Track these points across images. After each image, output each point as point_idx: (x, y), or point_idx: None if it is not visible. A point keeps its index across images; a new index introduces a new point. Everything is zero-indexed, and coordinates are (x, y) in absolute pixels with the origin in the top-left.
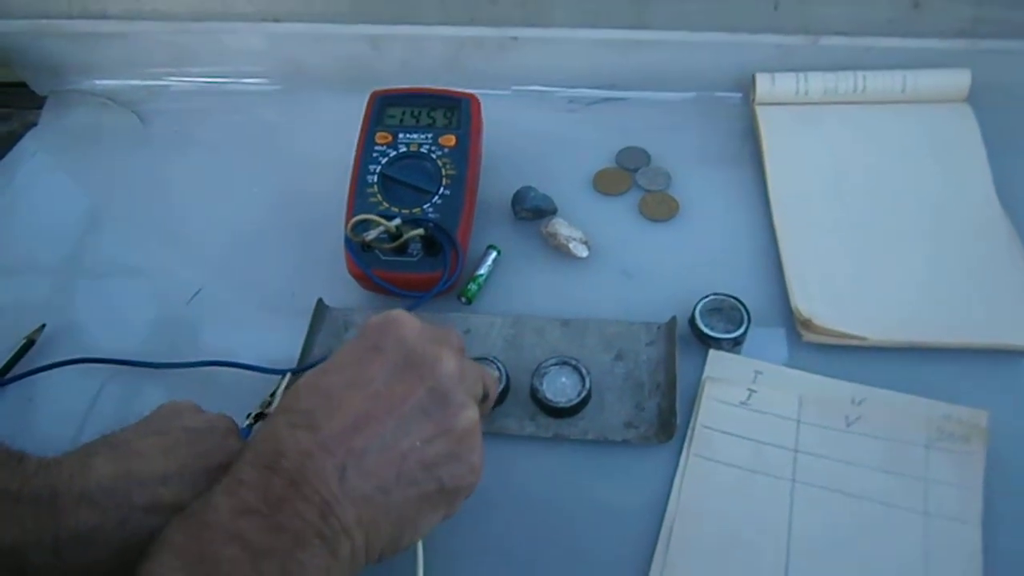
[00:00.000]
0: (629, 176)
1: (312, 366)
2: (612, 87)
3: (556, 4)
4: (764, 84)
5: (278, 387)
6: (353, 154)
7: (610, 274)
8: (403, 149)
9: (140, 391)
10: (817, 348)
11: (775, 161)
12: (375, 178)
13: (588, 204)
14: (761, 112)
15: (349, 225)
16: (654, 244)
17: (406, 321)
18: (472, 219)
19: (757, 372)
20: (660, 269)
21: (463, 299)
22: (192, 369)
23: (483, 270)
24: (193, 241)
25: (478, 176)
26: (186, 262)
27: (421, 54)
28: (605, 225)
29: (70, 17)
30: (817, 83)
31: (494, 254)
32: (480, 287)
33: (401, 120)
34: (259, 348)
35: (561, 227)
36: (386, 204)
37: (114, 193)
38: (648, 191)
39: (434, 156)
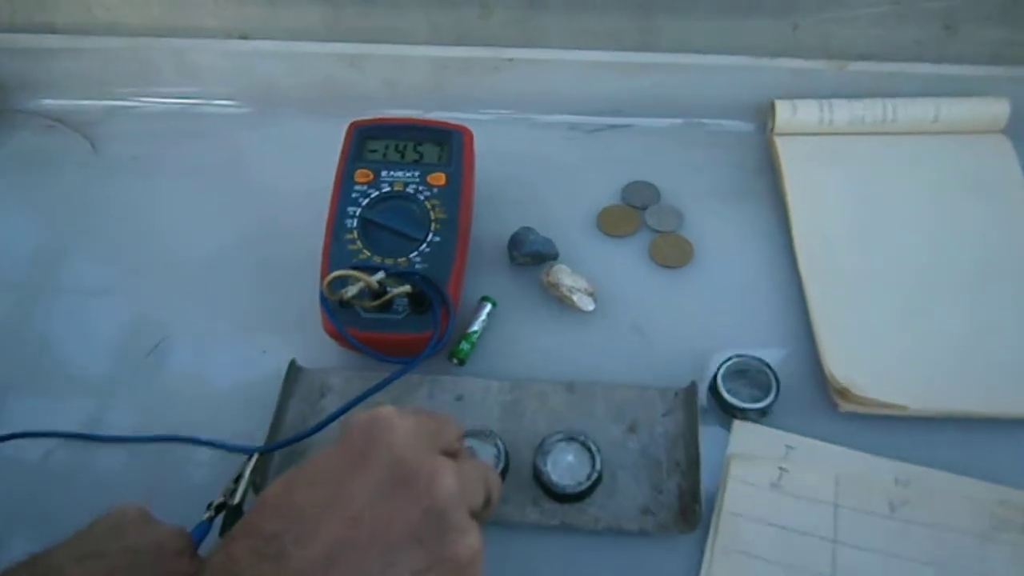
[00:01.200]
0: (637, 215)
1: (284, 444)
2: (616, 113)
3: (553, 22)
4: (784, 112)
5: (243, 470)
6: (330, 190)
7: (619, 330)
8: (386, 189)
9: (88, 465)
10: (853, 418)
11: (798, 199)
12: (355, 222)
13: (592, 247)
14: (781, 143)
15: (325, 282)
16: (667, 294)
17: (397, 424)
18: (464, 269)
19: (788, 447)
20: (674, 324)
21: (454, 360)
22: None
23: (477, 326)
24: (151, 285)
25: (471, 220)
26: (143, 309)
27: (405, 76)
28: (612, 272)
29: (13, 30)
30: (842, 112)
31: (489, 307)
32: (473, 346)
33: (384, 155)
34: (223, 415)
35: (564, 276)
36: (367, 252)
37: (60, 227)
38: (659, 232)
39: (421, 197)
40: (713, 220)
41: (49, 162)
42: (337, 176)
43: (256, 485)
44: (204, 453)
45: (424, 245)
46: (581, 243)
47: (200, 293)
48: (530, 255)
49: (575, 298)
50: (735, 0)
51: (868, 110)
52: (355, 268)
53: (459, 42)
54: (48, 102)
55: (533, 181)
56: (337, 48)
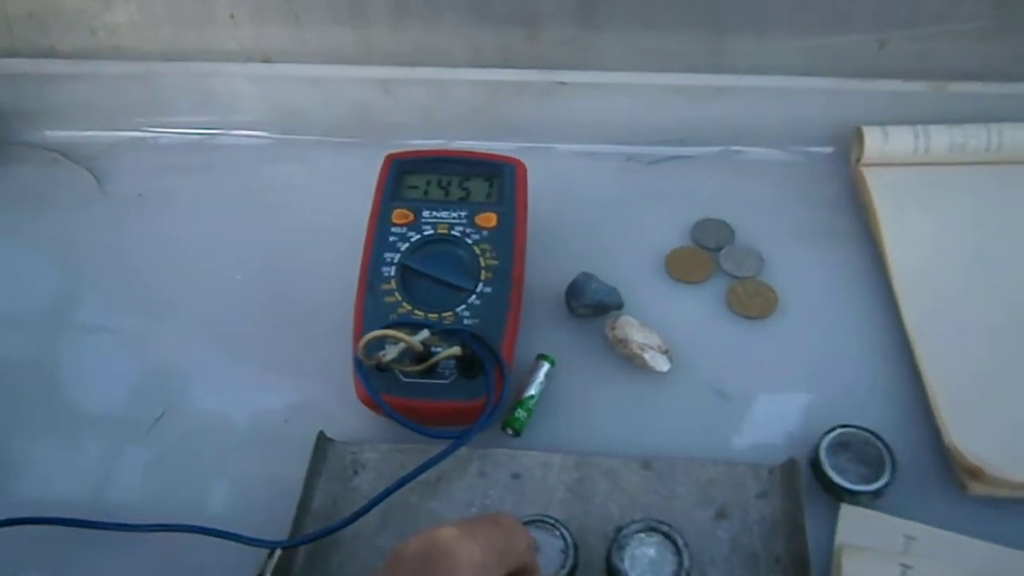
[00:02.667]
0: (710, 258)
1: (310, 540)
2: (681, 143)
3: (610, 41)
4: (874, 140)
5: (264, 569)
6: (363, 230)
7: (697, 393)
8: (428, 232)
9: (86, 557)
10: (985, 503)
11: (895, 239)
12: (392, 271)
13: (661, 296)
14: (870, 175)
15: (360, 344)
16: (750, 351)
17: (461, 558)
18: (519, 324)
19: (908, 537)
20: (760, 385)
21: (509, 430)
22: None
23: (533, 390)
24: (158, 338)
25: (524, 266)
26: (148, 368)
27: (445, 102)
28: (685, 324)
29: (12, 55)
30: (940, 138)
31: (546, 366)
32: (530, 413)
33: (426, 192)
34: (240, 495)
35: (633, 331)
36: (407, 306)
37: (62, 270)
38: (736, 278)
39: (469, 241)
40: (796, 263)
41: (51, 199)
42: (372, 217)
43: None
44: (218, 544)
45: (473, 297)
46: (648, 291)
47: (213, 352)
48: (591, 306)
49: (647, 356)
50: (815, 15)
51: (970, 136)
52: (394, 326)
53: (504, 64)
54: (49, 133)
55: (590, 220)
56: (368, 72)
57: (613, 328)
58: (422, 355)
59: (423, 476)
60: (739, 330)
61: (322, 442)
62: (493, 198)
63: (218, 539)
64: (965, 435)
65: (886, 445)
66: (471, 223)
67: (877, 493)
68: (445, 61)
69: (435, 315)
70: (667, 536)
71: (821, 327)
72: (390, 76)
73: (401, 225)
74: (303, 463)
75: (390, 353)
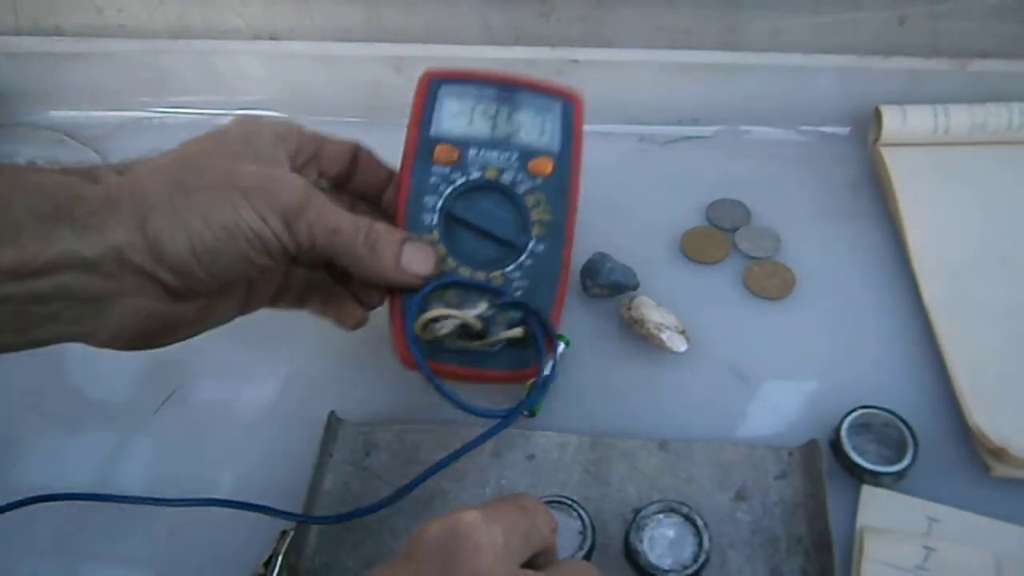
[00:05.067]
0: (726, 238)
1: (322, 520)
2: (695, 122)
3: (624, 18)
4: (893, 120)
5: (276, 549)
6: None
7: (716, 374)
8: (475, 175)
9: (97, 536)
10: (1009, 485)
11: (915, 220)
12: (435, 218)
13: (677, 276)
14: (888, 155)
15: (420, 321)
16: (768, 332)
17: (483, 543)
18: (567, 291)
19: (931, 519)
20: (778, 366)
21: (524, 411)
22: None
23: (548, 370)
24: None
25: (576, 223)
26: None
27: None
28: (702, 305)
29: (17, 33)
30: (961, 118)
31: (562, 346)
32: (546, 394)
33: (470, 122)
34: (250, 477)
35: (650, 310)
36: (452, 262)
37: None
38: (753, 258)
39: (520, 190)
40: (814, 243)
41: None
42: (409, 148)
43: (292, 568)
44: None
45: (524, 256)
46: (663, 271)
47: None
48: (607, 286)
49: (664, 337)
50: None
51: (991, 116)
52: (440, 287)
53: (517, 42)
54: (55, 114)
55: (604, 200)
56: (379, 49)
57: (629, 308)
58: (477, 332)
59: (436, 457)
60: (756, 311)
61: (334, 422)
62: (547, 139)
63: (228, 518)
64: (988, 416)
65: (908, 426)
66: (523, 169)
67: (899, 474)
68: (457, 38)
69: (482, 273)
70: (687, 517)
71: (839, 308)
72: (401, 54)
73: (444, 164)
74: (312, 445)
75: (446, 327)
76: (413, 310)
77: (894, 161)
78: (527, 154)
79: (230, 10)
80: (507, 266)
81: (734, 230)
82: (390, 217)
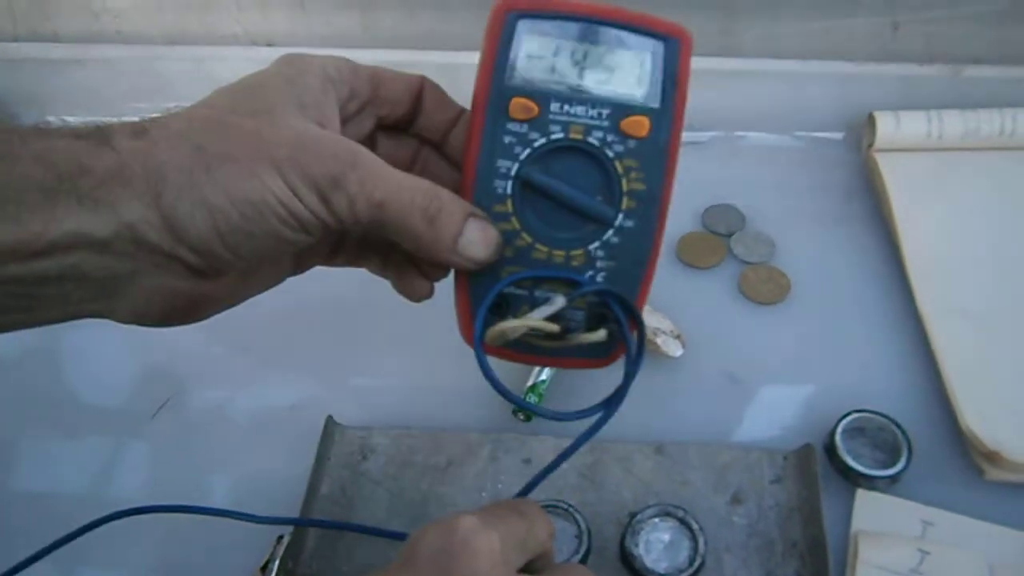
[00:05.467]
0: (721, 243)
1: (318, 524)
2: (690, 128)
3: None
4: (886, 125)
5: (273, 554)
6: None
7: (711, 378)
8: (557, 135)
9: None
10: (1002, 488)
11: (908, 225)
12: (509, 186)
13: (673, 281)
14: (882, 161)
15: (491, 333)
16: (763, 336)
17: (481, 548)
18: (655, 273)
19: (926, 523)
20: (774, 370)
21: (520, 415)
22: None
23: (545, 374)
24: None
25: (672, 194)
26: (151, 353)
27: (454, 86)
28: (698, 310)
29: (14, 39)
30: (954, 124)
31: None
32: (541, 398)
33: (553, 68)
34: (249, 479)
35: (645, 315)
36: (527, 238)
37: None
38: (748, 263)
39: (611, 154)
40: (809, 248)
41: None
42: (479, 100)
43: (290, 573)
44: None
45: (611, 232)
46: (659, 276)
47: (217, 339)
48: None
49: (660, 341)
50: None
51: (984, 122)
52: (509, 268)
53: None
54: (52, 118)
55: None
56: (375, 55)
57: None
58: (557, 334)
59: (432, 461)
60: (751, 315)
61: (330, 427)
62: (643, 90)
63: (224, 522)
64: (981, 419)
65: (902, 430)
66: (614, 128)
67: (894, 478)
68: (454, 45)
69: (560, 253)
70: (682, 521)
71: (834, 312)
72: (398, 60)
73: (521, 121)
74: (309, 450)
75: (517, 331)
76: (483, 312)
77: (888, 166)
78: (620, 110)
79: (227, 16)
80: (590, 243)
81: (729, 235)
82: (456, 162)
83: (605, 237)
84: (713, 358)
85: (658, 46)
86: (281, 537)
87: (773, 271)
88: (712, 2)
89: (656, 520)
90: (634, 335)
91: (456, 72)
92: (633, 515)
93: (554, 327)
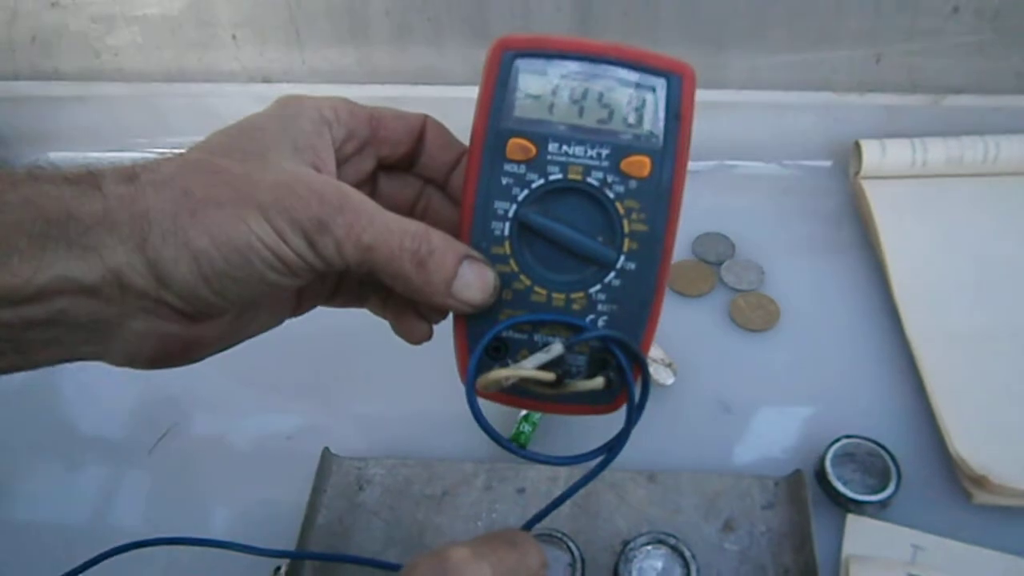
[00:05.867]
0: (712, 271)
1: (315, 557)
2: None
3: None
4: (872, 153)
5: None
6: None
7: (703, 406)
8: (555, 176)
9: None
10: (990, 512)
11: (895, 251)
12: (506, 228)
13: (664, 309)
14: (869, 188)
15: (482, 382)
16: (753, 363)
17: None
18: (661, 313)
19: (916, 547)
20: (764, 397)
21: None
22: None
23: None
24: None
25: (677, 233)
26: (150, 385)
27: (447, 120)
28: (689, 338)
29: (16, 78)
30: (938, 151)
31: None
32: (535, 427)
33: (551, 107)
34: (247, 510)
35: None
36: (526, 280)
37: None
38: (738, 291)
39: (611, 195)
40: (798, 276)
41: None
42: (476, 140)
43: None
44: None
45: (612, 275)
46: None
47: (218, 363)
48: None
49: (651, 370)
50: (811, 30)
51: (967, 149)
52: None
53: None
54: (54, 155)
55: None
56: (369, 91)
57: None
58: (552, 383)
59: (428, 491)
60: (742, 343)
61: (327, 458)
62: (645, 129)
63: (221, 553)
64: (969, 444)
65: (891, 455)
66: (615, 168)
67: (883, 503)
68: (447, 79)
69: (560, 296)
70: (674, 548)
71: (823, 339)
72: (392, 95)
73: (519, 162)
74: (307, 480)
75: (511, 379)
76: (475, 359)
77: (874, 193)
78: (620, 150)
79: (225, 53)
80: (591, 286)
81: (719, 263)
82: (459, 202)
83: (607, 280)
84: (704, 386)
85: (659, 83)
86: (279, 568)
87: (763, 298)
88: (701, 35)
89: (649, 548)
90: (638, 381)
91: (450, 107)
92: (626, 543)
93: (549, 376)
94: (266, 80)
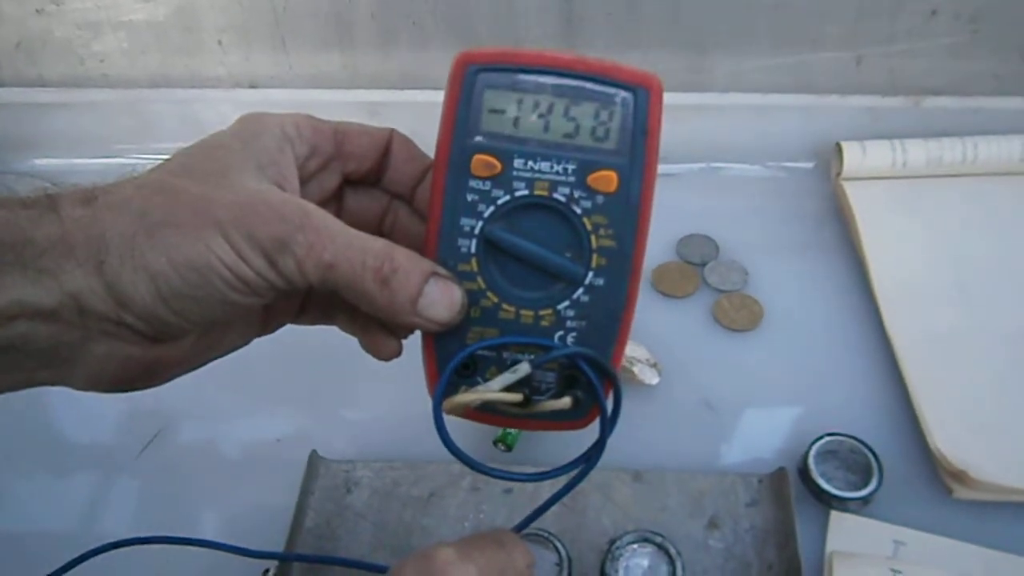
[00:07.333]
0: (696, 272)
1: (301, 559)
2: (664, 160)
3: None
4: (853, 155)
5: None
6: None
7: (687, 406)
8: (522, 192)
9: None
10: (970, 507)
11: (875, 250)
12: (472, 245)
13: (649, 310)
14: (850, 189)
15: (447, 406)
16: (737, 363)
17: None
18: (631, 328)
19: (897, 543)
20: (748, 396)
21: (501, 445)
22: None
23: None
24: None
25: (646, 247)
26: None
27: (431, 124)
28: (674, 338)
29: (1, 84)
30: (918, 152)
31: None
32: (514, 437)
33: (516, 122)
34: (236, 513)
35: None
36: (493, 297)
37: None
38: (722, 291)
39: (578, 210)
40: (780, 276)
41: None
42: (440, 157)
43: None
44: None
45: (580, 291)
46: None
47: (205, 368)
48: None
49: (636, 370)
50: (793, 34)
51: (946, 150)
52: (475, 330)
53: None
54: (40, 162)
55: None
56: (355, 96)
57: None
58: (521, 403)
59: (415, 493)
60: (726, 343)
61: (315, 460)
62: (612, 142)
63: (210, 558)
64: (949, 440)
65: (873, 452)
66: (581, 184)
67: (865, 499)
68: (431, 84)
69: (529, 313)
70: (660, 547)
71: (806, 338)
72: (377, 99)
73: (484, 178)
74: (294, 484)
75: (476, 402)
76: (442, 384)
77: (855, 194)
78: (587, 165)
79: (211, 59)
80: (560, 303)
81: (703, 264)
82: (424, 217)
83: (575, 296)
84: (689, 385)
85: (626, 96)
86: (267, 571)
87: (746, 299)
88: (684, 39)
89: (635, 546)
90: (609, 395)
91: (435, 111)
92: (612, 541)
93: (515, 397)
94: (252, 85)
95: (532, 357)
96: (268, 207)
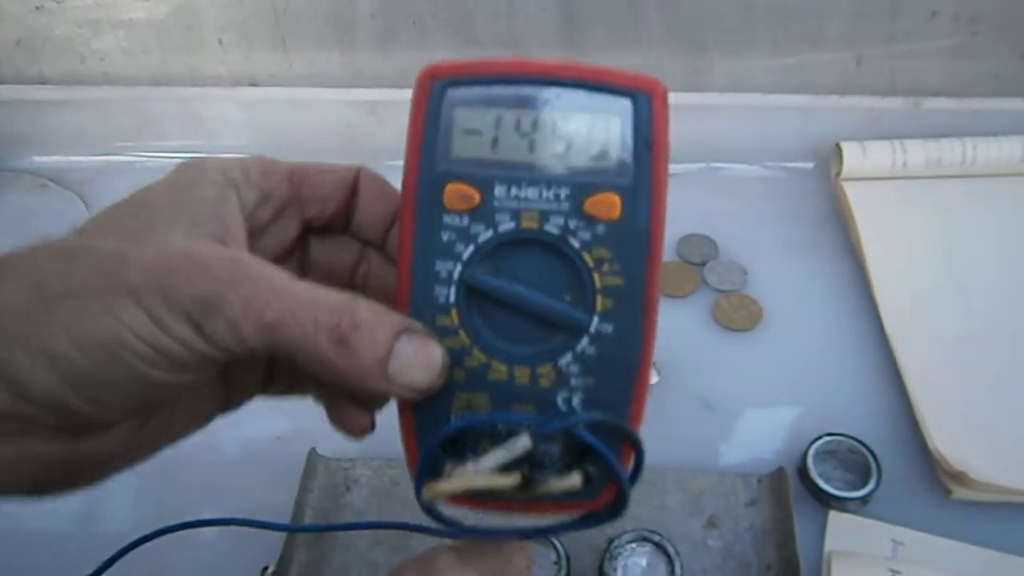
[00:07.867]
0: (695, 272)
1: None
2: None
3: (593, 62)
4: (853, 155)
5: None
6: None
7: (687, 405)
8: (506, 226)
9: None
10: (969, 507)
11: (875, 251)
12: (452, 293)
13: None
14: (849, 189)
15: (429, 492)
16: (736, 362)
17: None
18: (650, 379)
19: (896, 543)
20: (747, 396)
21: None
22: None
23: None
24: None
25: (659, 283)
26: None
27: None
28: (673, 337)
29: (1, 81)
30: (917, 153)
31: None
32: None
33: (494, 142)
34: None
35: None
36: (480, 355)
37: None
38: (721, 291)
39: (575, 244)
40: (780, 276)
41: (39, 224)
42: (407, 189)
43: None
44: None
45: (585, 340)
46: None
47: None
48: None
49: None
50: (793, 34)
51: (945, 151)
52: (459, 395)
53: None
54: (39, 159)
55: None
56: (355, 94)
57: None
58: (522, 486)
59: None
60: (725, 343)
61: (313, 459)
62: (611, 159)
63: (212, 555)
64: (948, 441)
65: (872, 452)
66: (577, 211)
67: (864, 499)
68: None
69: (524, 371)
70: (658, 546)
71: (805, 338)
72: (376, 98)
73: (460, 212)
74: (293, 482)
75: (461, 488)
76: (423, 467)
77: (855, 195)
78: (582, 188)
79: (211, 57)
80: (561, 357)
81: (703, 264)
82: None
83: (579, 347)
84: (688, 385)
85: (624, 105)
86: (266, 568)
87: (746, 299)
88: (684, 38)
89: (633, 545)
90: (629, 464)
91: None
92: (611, 540)
93: (509, 481)
94: (252, 83)
95: (532, 428)
96: (191, 263)
